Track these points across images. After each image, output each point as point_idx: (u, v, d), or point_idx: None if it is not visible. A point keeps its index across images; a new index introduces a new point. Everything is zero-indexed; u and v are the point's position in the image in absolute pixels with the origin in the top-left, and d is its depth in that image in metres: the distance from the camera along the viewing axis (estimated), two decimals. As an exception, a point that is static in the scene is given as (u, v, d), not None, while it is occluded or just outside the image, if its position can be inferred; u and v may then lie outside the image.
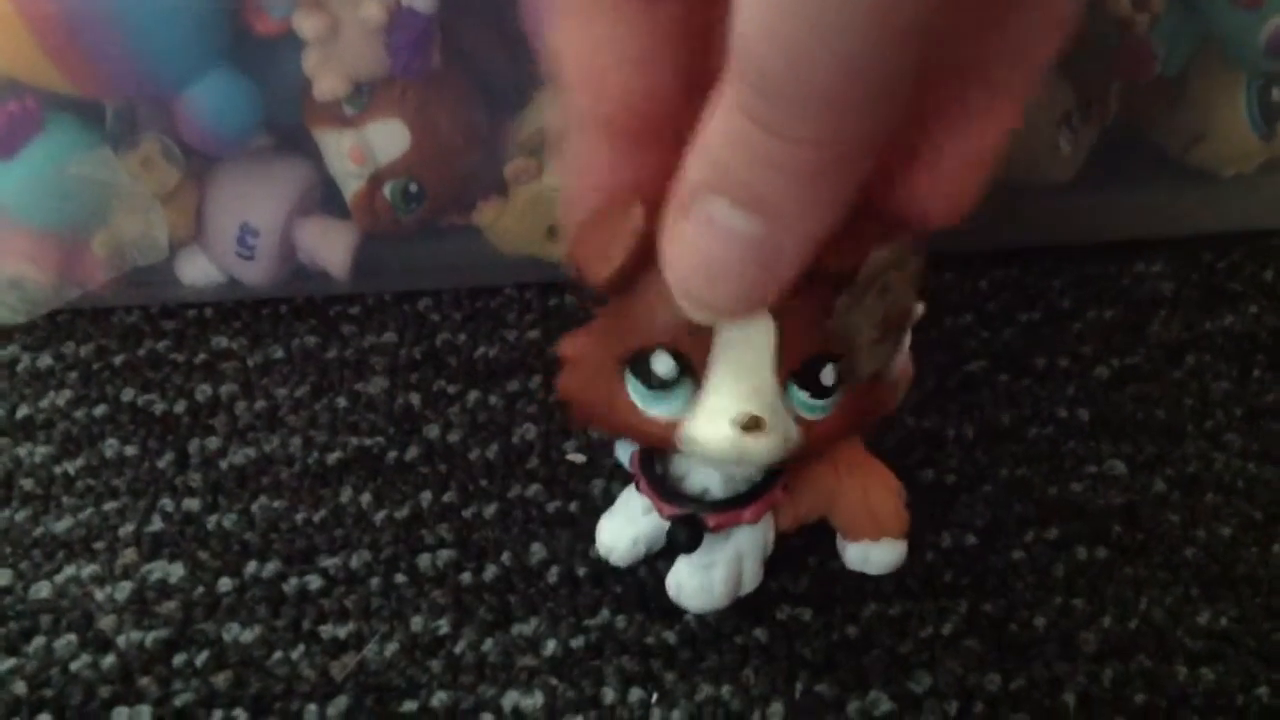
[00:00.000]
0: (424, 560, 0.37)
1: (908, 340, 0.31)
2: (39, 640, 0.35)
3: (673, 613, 0.36)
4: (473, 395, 0.42)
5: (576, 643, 0.35)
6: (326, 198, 0.45)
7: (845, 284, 0.28)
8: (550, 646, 0.35)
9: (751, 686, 0.34)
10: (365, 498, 0.39)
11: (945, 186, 0.28)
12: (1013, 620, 0.36)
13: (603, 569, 0.37)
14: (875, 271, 0.27)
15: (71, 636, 0.36)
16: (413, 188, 0.43)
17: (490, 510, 0.39)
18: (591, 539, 0.37)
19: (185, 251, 0.45)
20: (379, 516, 0.39)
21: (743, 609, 0.35)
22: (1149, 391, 0.42)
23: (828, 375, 0.29)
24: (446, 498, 0.39)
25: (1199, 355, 0.43)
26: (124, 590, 0.37)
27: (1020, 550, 0.37)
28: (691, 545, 0.33)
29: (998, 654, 0.35)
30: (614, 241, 0.28)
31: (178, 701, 0.34)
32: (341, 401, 0.42)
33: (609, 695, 0.34)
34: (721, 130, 0.25)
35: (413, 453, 0.40)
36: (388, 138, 0.42)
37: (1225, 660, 0.35)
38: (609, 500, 0.38)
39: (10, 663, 0.35)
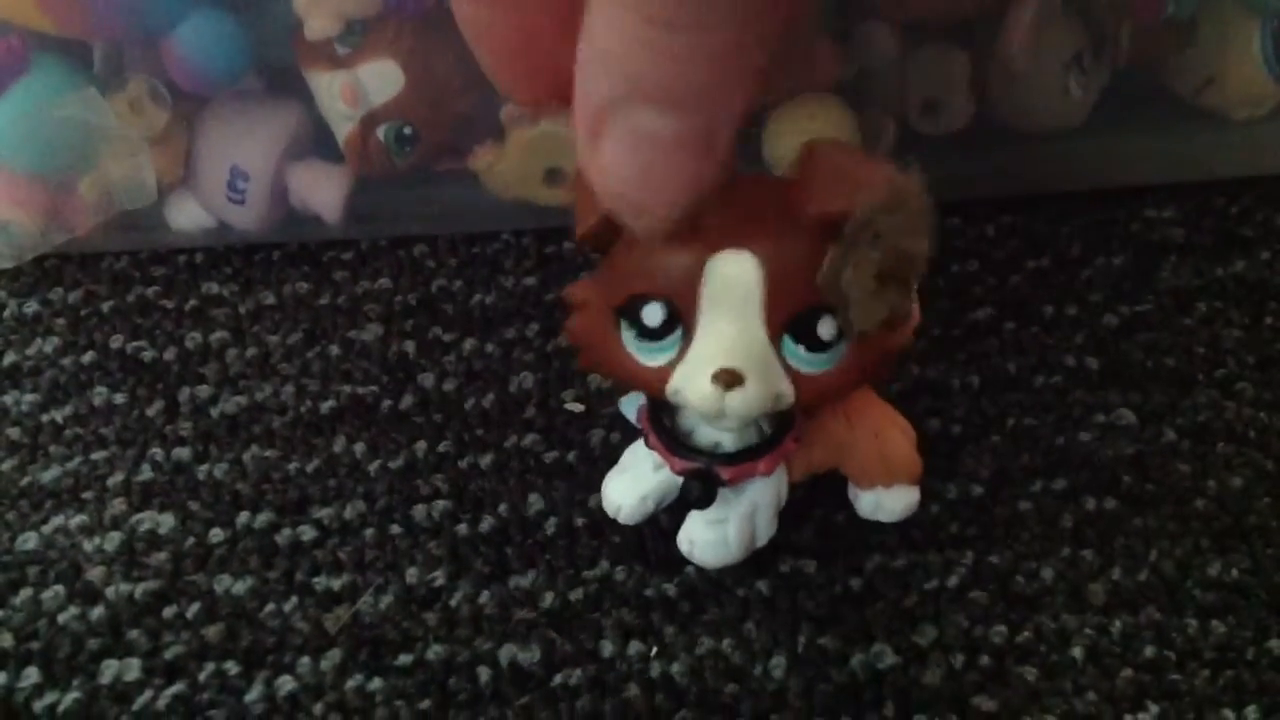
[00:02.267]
0: (419, 511, 0.37)
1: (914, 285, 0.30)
2: (26, 592, 0.35)
3: (673, 565, 0.35)
4: (469, 343, 0.42)
5: (575, 595, 0.35)
6: (319, 141, 0.44)
7: (834, 232, 0.27)
8: (548, 599, 0.35)
9: (753, 639, 0.34)
10: (359, 447, 0.39)
11: None
12: (1019, 572, 0.35)
13: (601, 520, 0.36)
14: (864, 221, 0.26)
15: (59, 588, 0.35)
16: (407, 130, 0.42)
17: (487, 460, 0.38)
18: (590, 489, 0.37)
19: (174, 195, 0.44)
20: (373, 466, 0.38)
21: (744, 561, 0.35)
22: (1159, 339, 0.41)
23: (825, 328, 0.28)
24: (442, 447, 0.39)
25: (1210, 302, 0.43)
26: (113, 541, 0.36)
27: (1027, 501, 0.37)
28: (706, 500, 0.33)
29: (1004, 606, 0.35)
30: (590, 200, 0.28)
31: (168, 654, 0.34)
32: (334, 349, 0.42)
33: (608, 648, 0.34)
34: (618, 38, 0.24)
35: (407, 401, 0.40)
36: (381, 79, 0.41)
37: (1236, 612, 0.34)
38: (608, 450, 0.38)
39: (-3, 614, 0.35)
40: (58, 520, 0.37)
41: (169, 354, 0.41)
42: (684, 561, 0.35)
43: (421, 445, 0.39)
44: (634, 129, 0.25)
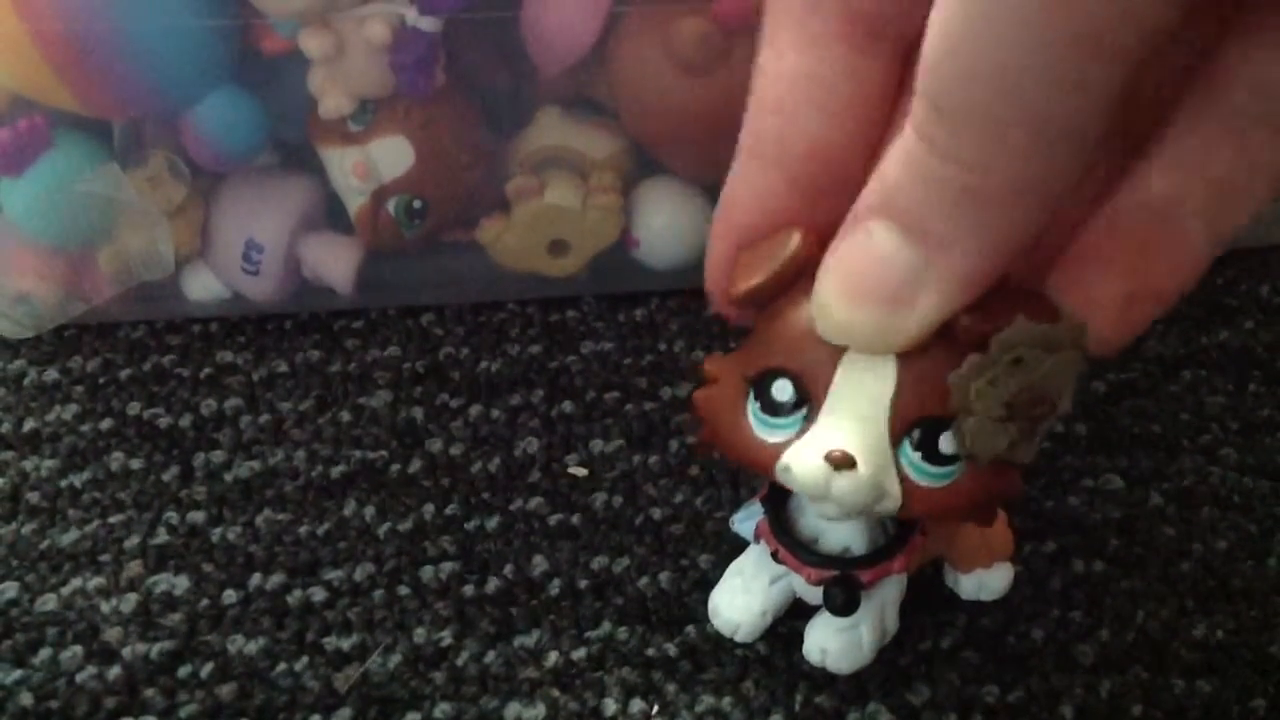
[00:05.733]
0: (427, 572, 0.38)
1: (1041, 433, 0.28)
2: (45, 652, 0.36)
3: (674, 624, 0.36)
4: (475, 409, 0.43)
5: (578, 654, 0.36)
6: (331, 214, 0.45)
7: (982, 344, 0.26)
8: (552, 658, 0.35)
9: (751, 698, 0.35)
10: (369, 510, 0.39)
11: (1102, 313, 0.27)
12: (1011, 633, 0.36)
13: (604, 581, 0.37)
14: (1013, 341, 0.26)
15: (77, 648, 0.36)
16: (416, 204, 0.43)
17: (492, 523, 0.39)
18: (594, 551, 0.38)
19: (191, 267, 0.45)
20: (382, 529, 0.39)
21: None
22: (1146, 406, 0.42)
23: (946, 443, 0.27)
24: (449, 510, 0.39)
25: (1195, 370, 0.43)
26: (129, 602, 0.37)
27: (1018, 563, 0.37)
28: (851, 607, 0.33)
29: (996, 666, 0.35)
30: (766, 259, 0.28)
31: (183, 713, 0.34)
32: (345, 415, 0.42)
33: (610, 706, 0.34)
34: (897, 150, 0.24)
35: (415, 466, 0.41)
36: (392, 154, 0.43)
37: (1221, 673, 0.35)
38: (610, 513, 0.39)
39: (17, 674, 0.35)
40: (76, 582, 0.37)
41: (184, 421, 0.42)
42: (684, 621, 0.36)
43: (429, 508, 0.39)
44: (867, 238, 0.25)
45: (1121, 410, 0.42)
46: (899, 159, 0.24)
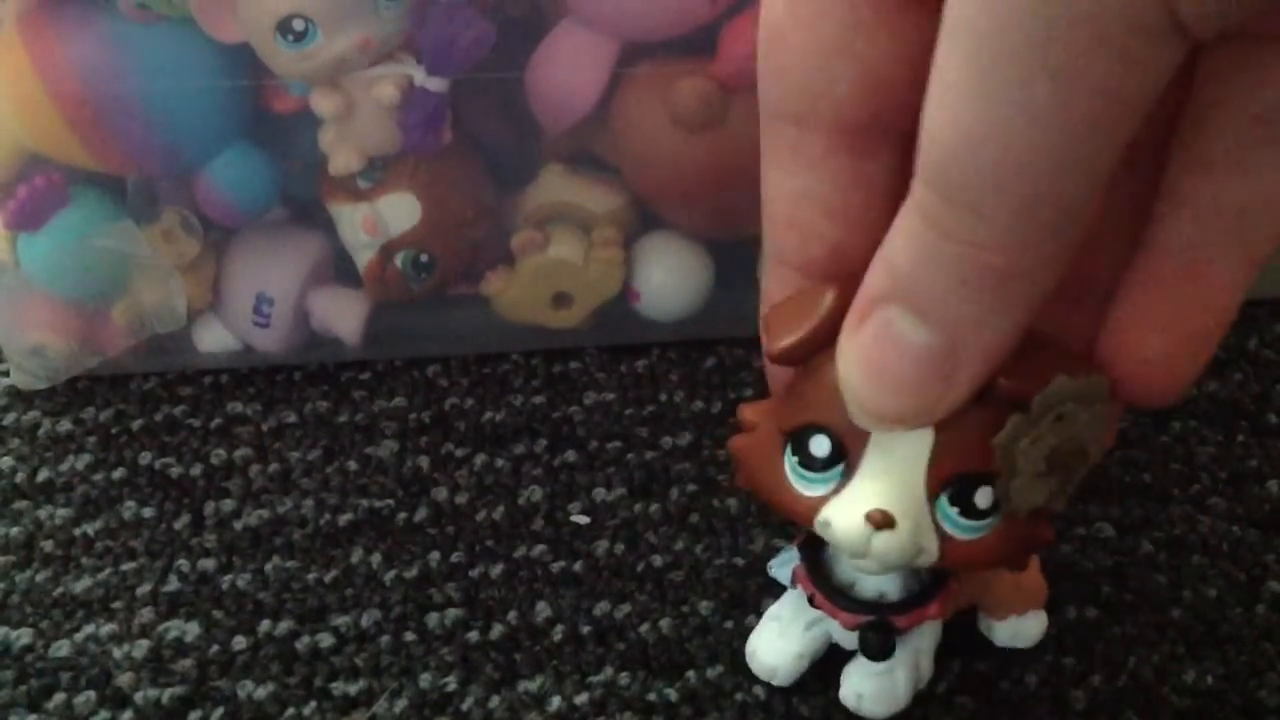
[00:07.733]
0: (432, 619, 0.38)
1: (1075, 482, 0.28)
2: (59, 697, 0.36)
3: (674, 670, 0.37)
4: (480, 458, 0.43)
5: (580, 699, 0.36)
6: (339, 268, 0.46)
7: (1021, 408, 0.26)
8: (555, 703, 0.36)
9: (750, 742, 0.35)
10: (375, 558, 0.40)
11: (1152, 371, 0.27)
12: (1005, 678, 0.37)
13: (606, 628, 0.38)
14: (1055, 399, 0.26)
15: (90, 694, 0.36)
16: (423, 258, 0.44)
17: (497, 570, 0.40)
18: (595, 598, 0.38)
19: (203, 320, 0.46)
20: (389, 576, 0.39)
21: (741, 667, 0.36)
22: (1137, 456, 0.43)
23: (983, 497, 0.28)
24: (454, 558, 0.40)
25: (1185, 421, 0.44)
26: (141, 648, 0.37)
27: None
28: (887, 652, 0.33)
29: (990, 712, 0.36)
30: (802, 316, 0.28)
31: (193, 756, 0.35)
32: (352, 464, 0.43)
33: (612, 750, 0.35)
34: (902, 239, 0.24)
35: (421, 514, 0.41)
36: (400, 210, 0.43)
37: (1211, 718, 0.36)
38: (612, 560, 0.39)
39: (31, 719, 0.36)
40: (89, 629, 0.38)
41: (195, 470, 0.43)
42: (685, 667, 0.37)
43: (435, 556, 0.40)
44: (886, 328, 0.25)
45: (1113, 460, 0.43)
46: (907, 246, 0.24)
